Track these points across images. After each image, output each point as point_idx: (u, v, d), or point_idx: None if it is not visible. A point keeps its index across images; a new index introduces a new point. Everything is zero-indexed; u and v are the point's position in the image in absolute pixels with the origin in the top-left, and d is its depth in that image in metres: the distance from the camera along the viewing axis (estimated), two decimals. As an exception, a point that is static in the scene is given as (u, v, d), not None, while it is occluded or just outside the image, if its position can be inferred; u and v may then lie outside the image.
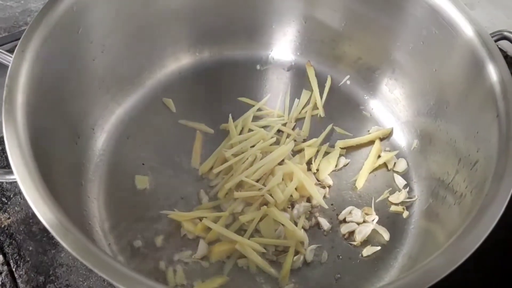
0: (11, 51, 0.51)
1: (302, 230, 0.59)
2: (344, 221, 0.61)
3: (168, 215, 0.58)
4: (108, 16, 0.61)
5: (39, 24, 0.52)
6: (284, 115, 0.70)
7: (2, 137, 0.46)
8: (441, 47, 0.60)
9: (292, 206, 0.60)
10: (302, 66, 0.75)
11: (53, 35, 0.53)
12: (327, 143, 0.67)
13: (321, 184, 0.64)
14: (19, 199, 0.62)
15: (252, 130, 0.67)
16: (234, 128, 0.67)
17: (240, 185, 0.61)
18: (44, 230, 0.59)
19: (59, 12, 0.53)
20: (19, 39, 0.51)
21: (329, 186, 0.64)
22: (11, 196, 0.62)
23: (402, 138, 0.68)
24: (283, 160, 0.63)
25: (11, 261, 0.57)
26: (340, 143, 0.67)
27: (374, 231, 0.60)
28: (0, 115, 0.46)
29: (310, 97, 0.72)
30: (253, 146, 0.64)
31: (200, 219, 0.58)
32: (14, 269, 0.57)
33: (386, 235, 0.60)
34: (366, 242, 0.59)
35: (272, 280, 0.55)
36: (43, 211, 0.40)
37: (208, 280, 0.55)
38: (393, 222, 0.61)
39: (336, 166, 0.65)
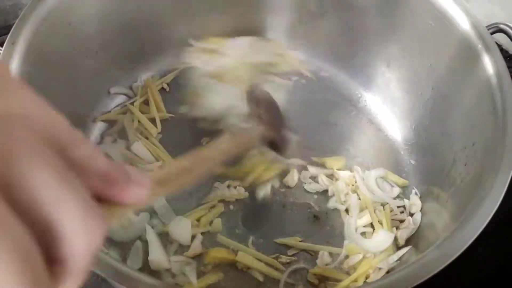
0: (1, 45, 0.50)
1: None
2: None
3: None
4: (100, 9, 0.60)
5: (30, 16, 0.51)
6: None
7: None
8: (437, 39, 0.60)
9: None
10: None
11: (44, 27, 0.52)
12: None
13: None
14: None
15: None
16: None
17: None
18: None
19: (50, 4, 0.53)
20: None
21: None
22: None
23: (397, 132, 0.68)
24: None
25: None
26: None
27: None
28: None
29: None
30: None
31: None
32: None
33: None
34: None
35: (268, 276, 0.55)
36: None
37: (202, 277, 0.53)
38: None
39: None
